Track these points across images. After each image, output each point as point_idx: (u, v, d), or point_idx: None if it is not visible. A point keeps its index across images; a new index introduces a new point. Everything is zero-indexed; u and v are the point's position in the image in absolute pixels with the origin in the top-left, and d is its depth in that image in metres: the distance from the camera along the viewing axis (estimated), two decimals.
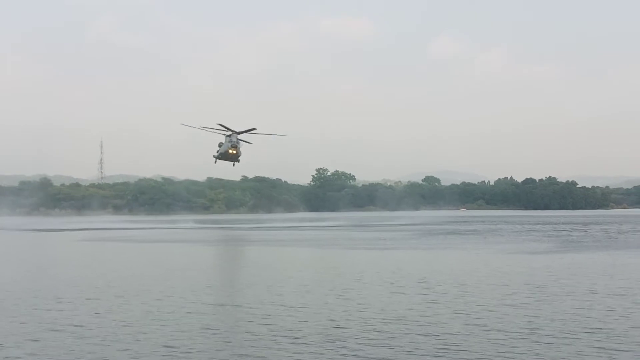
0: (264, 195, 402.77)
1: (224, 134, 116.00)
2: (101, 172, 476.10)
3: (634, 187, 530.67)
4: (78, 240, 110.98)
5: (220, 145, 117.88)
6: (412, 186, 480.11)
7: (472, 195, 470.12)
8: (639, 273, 51.48)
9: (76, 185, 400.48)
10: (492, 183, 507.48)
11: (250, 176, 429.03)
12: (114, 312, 34.37)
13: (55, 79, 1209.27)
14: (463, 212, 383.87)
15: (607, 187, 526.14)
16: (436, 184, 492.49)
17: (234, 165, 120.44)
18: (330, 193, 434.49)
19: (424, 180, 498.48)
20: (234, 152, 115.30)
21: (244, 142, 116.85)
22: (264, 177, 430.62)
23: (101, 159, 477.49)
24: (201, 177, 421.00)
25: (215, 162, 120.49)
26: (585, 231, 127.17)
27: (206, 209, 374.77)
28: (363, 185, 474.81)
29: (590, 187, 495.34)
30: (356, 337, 27.74)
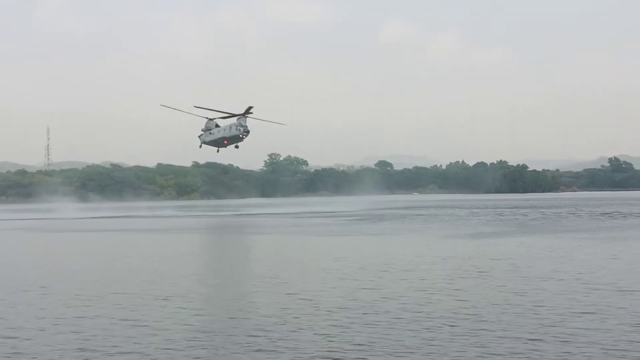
0: (216, 181, 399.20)
1: (222, 117, 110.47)
2: (48, 159, 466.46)
3: (584, 170, 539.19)
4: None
5: (208, 129, 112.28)
6: (364, 171, 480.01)
7: (424, 179, 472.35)
8: (580, 256, 50.66)
9: (22, 172, 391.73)
10: (443, 167, 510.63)
11: (202, 162, 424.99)
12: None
13: None
14: (415, 197, 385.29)
15: (557, 170, 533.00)
16: (388, 168, 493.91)
17: (217, 151, 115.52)
18: (282, 178, 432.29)
19: (376, 164, 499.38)
20: (244, 136, 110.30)
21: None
22: (215, 162, 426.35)
23: (48, 145, 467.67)
24: (151, 163, 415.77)
25: (201, 146, 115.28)
26: (530, 214, 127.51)
27: (156, 195, 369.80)
28: (316, 170, 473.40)
29: (540, 170, 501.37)
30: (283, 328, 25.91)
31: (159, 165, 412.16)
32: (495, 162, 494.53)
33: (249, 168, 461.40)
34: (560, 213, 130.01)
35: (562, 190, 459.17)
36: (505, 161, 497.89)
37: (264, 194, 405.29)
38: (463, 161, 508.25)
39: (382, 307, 30.48)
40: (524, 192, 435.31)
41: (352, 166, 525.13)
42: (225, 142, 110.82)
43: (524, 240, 67.66)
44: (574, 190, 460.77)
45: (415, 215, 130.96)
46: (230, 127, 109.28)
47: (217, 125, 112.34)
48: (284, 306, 31.25)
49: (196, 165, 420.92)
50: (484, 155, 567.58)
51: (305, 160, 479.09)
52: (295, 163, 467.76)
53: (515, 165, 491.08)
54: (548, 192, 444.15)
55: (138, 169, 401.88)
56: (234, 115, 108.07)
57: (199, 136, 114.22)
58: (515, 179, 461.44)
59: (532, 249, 57.03)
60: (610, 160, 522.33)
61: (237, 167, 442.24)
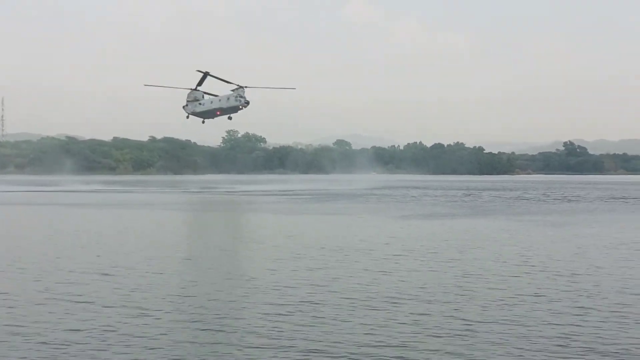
0: (173, 156, 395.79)
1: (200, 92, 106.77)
2: (2, 130, 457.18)
3: (539, 153, 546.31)
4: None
5: (195, 98, 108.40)
6: (323, 149, 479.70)
7: (382, 159, 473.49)
8: (525, 239, 51.27)
9: None
10: (401, 148, 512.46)
11: (159, 137, 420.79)
12: None
13: None
14: (373, 176, 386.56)
15: (512, 153, 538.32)
16: (347, 147, 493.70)
17: (203, 122, 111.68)
18: (240, 155, 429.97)
19: (334, 143, 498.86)
20: (244, 108, 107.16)
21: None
22: (173, 138, 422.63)
23: (2, 116, 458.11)
24: (108, 137, 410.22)
25: (188, 117, 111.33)
26: (483, 196, 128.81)
27: (112, 169, 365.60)
28: (274, 147, 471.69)
29: (496, 153, 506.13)
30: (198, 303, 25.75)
31: (115, 139, 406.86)
32: (452, 144, 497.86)
33: (206, 144, 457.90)
34: (509, 197, 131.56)
35: (517, 173, 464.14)
36: (462, 143, 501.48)
37: (221, 170, 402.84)
38: (421, 142, 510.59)
39: (330, 288, 30.54)
40: (480, 174, 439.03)
41: (310, 144, 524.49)
42: (218, 113, 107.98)
43: (474, 222, 68.33)
44: (529, 173, 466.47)
45: (371, 195, 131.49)
46: (229, 98, 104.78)
47: (203, 95, 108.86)
48: (230, 285, 31.11)
49: (153, 139, 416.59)
50: (442, 137, 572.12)
51: (264, 138, 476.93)
52: (253, 140, 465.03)
53: (471, 147, 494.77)
54: (503, 174, 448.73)
55: (94, 143, 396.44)
56: (240, 86, 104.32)
57: (183, 107, 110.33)
58: (472, 161, 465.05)
59: (481, 231, 57.61)
60: (565, 144, 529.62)
61: (195, 143, 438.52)
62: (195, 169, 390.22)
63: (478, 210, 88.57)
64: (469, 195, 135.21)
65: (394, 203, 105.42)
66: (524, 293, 29.55)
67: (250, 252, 43.73)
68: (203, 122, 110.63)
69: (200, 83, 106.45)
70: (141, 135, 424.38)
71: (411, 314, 25.35)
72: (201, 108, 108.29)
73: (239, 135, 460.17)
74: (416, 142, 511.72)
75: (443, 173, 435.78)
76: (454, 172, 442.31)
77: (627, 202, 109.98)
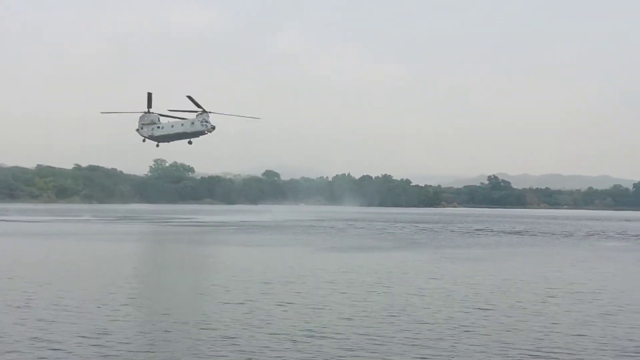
0: (98, 184, 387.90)
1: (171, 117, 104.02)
2: None
3: (464, 186, 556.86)
4: None
5: (152, 122, 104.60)
6: (251, 180, 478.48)
7: (310, 190, 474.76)
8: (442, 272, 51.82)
9: None
10: (330, 179, 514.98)
11: (84, 164, 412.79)
12: None
13: None
14: (302, 207, 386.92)
15: (439, 186, 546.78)
16: (276, 178, 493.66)
17: (157, 145, 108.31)
18: (168, 184, 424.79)
19: (263, 174, 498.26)
20: (209, 132, 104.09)
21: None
22: (98, 166, 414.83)
23: None
24: (31, 164, 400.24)
25: (144, 141, 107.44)
26: (408, 228, 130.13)
27: (34, 197, 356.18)
28: (202, 177, 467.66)
29: (423, 185, 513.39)
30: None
31: (39, 166, 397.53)
32: (380, 176, 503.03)
33: (133, 173, 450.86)
34: (435, 228, 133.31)
35: (444, 206, 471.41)
36: (390, 175, 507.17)
37: (148, 199, 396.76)
38: (349, 174, 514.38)
39: (249, 322, 30.19)
40: (407, 206, 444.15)
41: (239, 175, 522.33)
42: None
43: (398, 255, 68.80)
44: (455, 206, 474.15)
45: (299, 227, 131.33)
46: (193, 123, 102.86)
47: (159, 118, 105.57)
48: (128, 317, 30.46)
49: (78, 168, 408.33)
50: (370, 169, 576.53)
51: (192, 167, 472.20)
52: (181, 170, 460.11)
53: (399, 180, 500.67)
54: (430, 207, 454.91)
55: (17, 170, 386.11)
56: (205, 111, 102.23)
57: (137, 130, 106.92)
58: (399, 193, 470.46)
59: (405, 264, 57.98)
60: (489, 178, 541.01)
61: (121, 172, 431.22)
62: (120, 198, 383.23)
63: (403, 242, 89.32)
64: (392, 227, 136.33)
65: (320, 235, 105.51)
66: (447, 327, 29.72)
67: (164, 284, 42.96)
68: (157, 145, 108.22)
69: (149, 105, 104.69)
70: (66, 163, 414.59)
71: (335, 348, 25.18)
72: (160, 132, 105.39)
73: (167, 164, 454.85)
74: (345, 174, 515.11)
75: (371, 205, 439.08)
76: (381, 203, 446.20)
77: (551, 237, 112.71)
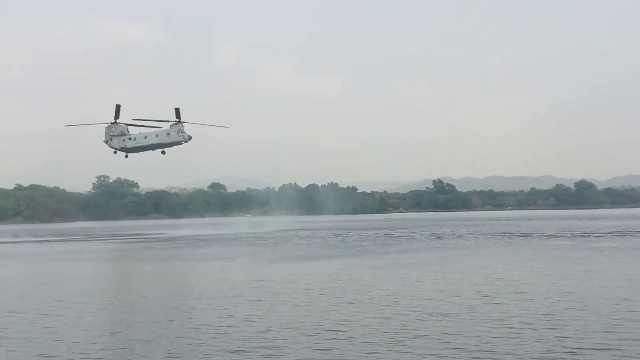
0: (40, 204, 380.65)
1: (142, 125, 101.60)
2: None
3: (410, 191, 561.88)
4: None
5: (122, 133, 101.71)
6: (197, 193, 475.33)
7: (257, 201, 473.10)
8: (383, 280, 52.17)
9: None
10: (276, 189, 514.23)
11: (25, 184, 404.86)
12: None
13: None
14: (249, 218, 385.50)
15: (385, 192, 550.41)
16: (222, 190, 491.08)
17: (127, 156, 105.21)
18: (112, 201, 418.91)
19: (209, 187, 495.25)
20: (185, 142, 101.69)
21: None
22: (40, 185, 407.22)
23: None
24: None
25: (116, 152, 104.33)
26: (353, 236, 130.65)
27: None
28: (147, 192, 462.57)
29: (369, 192, 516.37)
30: None
31: None
32: (326, 184, 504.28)
33: (76, 190, 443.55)
34: (379, 236, 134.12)
35: (390, 212, 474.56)
36: (336, 183, 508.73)
37: (93, 217, 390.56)
38: (295, 183, 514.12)
39: (190, 340, 29.94)
40: (354, 213, 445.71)
41: (184, 188, 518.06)
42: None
43: (344, 262, 68.96)
44: (401, 211, 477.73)
45: (244, 238, 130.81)
46: (169, 133, 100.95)
47: (128, 129, 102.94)
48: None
49: (19, 187, 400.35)
50: (316, 178, 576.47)
51: (136, 183, 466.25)
52: (125, 185, 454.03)
53: (345, 187, 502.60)
54: (377, 213, 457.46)
55: None
56: (179, 121, 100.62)
57: (106, 142, 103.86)
58: (346, 201, 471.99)
59: (349, 272, 58.17)
60: (434, 182, 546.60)
61: (64, 190, 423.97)
62: (64, 216, 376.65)
63: (348, 250, 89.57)
64: (340, 235, 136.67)
65: (267, 245, 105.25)
66: (397, 334, 29.86)
67: (110, 297, 42.37)
68: (127, 156, 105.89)
69: (117, 116, 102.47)
70: (6, 182, 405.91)
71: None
72: (133, 143, 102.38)
73: (110, 181, 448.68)
74: (291, 183, 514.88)
75: (318, 213, 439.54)
76: (329, 212, 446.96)
77: (495, 238, 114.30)
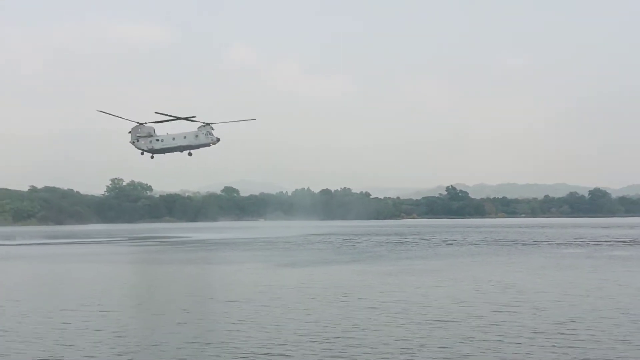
0: (54, 206, 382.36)
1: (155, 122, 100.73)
2: None
3: (423, 197, 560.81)
4: None
5: (149, 134, 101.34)
6: (210, 197, 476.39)
7: (270, 205, 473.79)
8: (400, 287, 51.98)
9: None
10: (289, 194, 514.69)
11: (40, 186, 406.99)
12: None
13: None
14: (262, 223, 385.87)
15: (398, 198, 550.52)
16: (235, 194, 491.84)
17: (152, 157, 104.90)
18: (125, 204, 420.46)
19: (222, 190, 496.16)
20: (214, 144, 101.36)
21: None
22: (54, 187, 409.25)
23: None
24: None
25: (143, 153, 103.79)
26: (365, 242, 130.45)
27: None
28: (161, 195, 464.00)
29: (382, 198, 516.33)
30: None
31: None
32: (339, 190, 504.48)
33: (90, 193, 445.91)
34: (392, 242, 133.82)
35: (403, 218, 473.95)
36: (349, 189, 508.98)
37: (107, 219, 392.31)
38: (309, 188, 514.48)
39: (203, 341, 29.94)
40: (367, 218, 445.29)
41: (198, 192, 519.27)
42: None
43: (356, 268, 68.83)
44: (414, 218, 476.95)
45: (256, 243, 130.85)
46: (197, 135, 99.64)
47: (154, 130, 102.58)
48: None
49: (34, 189, 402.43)
50: (329, 183, 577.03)
51: (150, 186, 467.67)
52: (139, 188, 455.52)
53: (358, 193, 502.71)
54: (390, 219, 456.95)
55: None
56: (207, 123, 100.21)
57: (133, 142, 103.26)
58: (359, 206, 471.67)
59: (362, 278, 58.03)
60: (447, 188, 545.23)
61: (78, 192, 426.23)
62: (78, 219, 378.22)
63: (361, 256, 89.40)
64: (352, 240, 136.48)
65: (279, 250, 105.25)
66: (405, 341, 29.73)
67: (114, 299, 42.43)
68: (152, 157, 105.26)
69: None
70: (21, 184, 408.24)
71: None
72: (160, 145, 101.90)
73: (124, 184, 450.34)
74: (304, 188, 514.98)
75: (331, 218, 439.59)
76: (342, 217, 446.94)
77: (508, 245, 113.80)
